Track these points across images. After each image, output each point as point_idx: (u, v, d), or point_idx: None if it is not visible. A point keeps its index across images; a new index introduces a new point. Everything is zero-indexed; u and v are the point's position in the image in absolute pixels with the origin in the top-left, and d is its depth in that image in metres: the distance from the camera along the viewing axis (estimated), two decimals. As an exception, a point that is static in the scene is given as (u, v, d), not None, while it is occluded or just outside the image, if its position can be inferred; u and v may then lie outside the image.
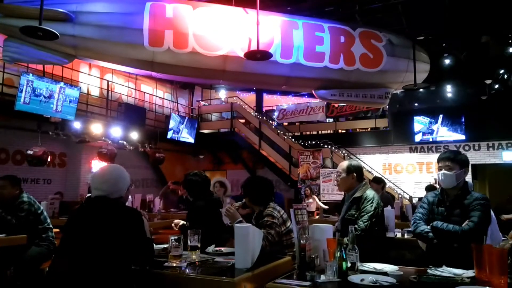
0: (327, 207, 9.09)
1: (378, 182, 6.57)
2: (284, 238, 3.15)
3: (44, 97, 8.52)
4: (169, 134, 12.19)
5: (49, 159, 9.27)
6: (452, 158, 2.84)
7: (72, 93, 9.14)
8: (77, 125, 9.49)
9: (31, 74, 8.45)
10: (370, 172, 11.76)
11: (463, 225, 2.65)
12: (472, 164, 10.12)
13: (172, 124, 12.29)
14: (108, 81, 11.61)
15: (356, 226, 3.05)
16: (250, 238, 2.33)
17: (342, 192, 3.82)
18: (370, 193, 3.24)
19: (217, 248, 2.88)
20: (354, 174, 3.31)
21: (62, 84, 9.04)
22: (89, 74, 11.33)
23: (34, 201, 4.32)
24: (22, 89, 8.11)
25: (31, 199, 4.30)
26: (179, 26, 7.31)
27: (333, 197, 10.83)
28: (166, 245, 2.73)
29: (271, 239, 3.02)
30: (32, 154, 8.66)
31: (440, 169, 2.88)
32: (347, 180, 3.33)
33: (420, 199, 7.65)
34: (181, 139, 12.73)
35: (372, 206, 3.13)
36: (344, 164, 3.40)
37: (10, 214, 4.08)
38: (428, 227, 2.80)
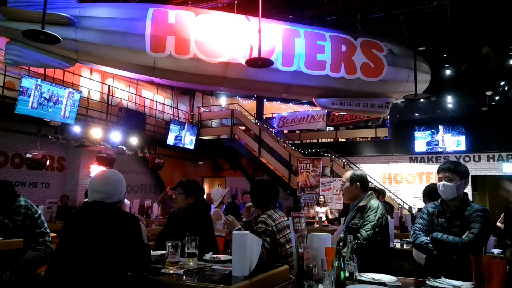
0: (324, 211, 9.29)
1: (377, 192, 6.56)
2: (279, 248, 3.06)
3: (52, 102, 8.52)
4: (171, 141, 12.16)
5: (47, 163, 9.25)
6: (453, 169, 2.82)
7: (75, 97, 9.16)
8: (76, 129, 9.46)
9: (39, 80, 8.46)
10: (370, 181, 11.73)
11: (463, 236, 2.63)
12: (472, 176, 10.09)
13: (173, 131, 12.28)
14: (109, 86, 11.62)
15: (359, 235, 3.03)
16: (248, 246, 2.31)
17: (342, 202, 3.81)
18: (374, 202, 3.20)
19: (215, 256, 2.86)
20: (358, 183, 3.29)
21: (71, 89, 9.06)
22: (90, 79, 11.35)
23: (31, 205, 4.29)
24: (30, 94, 8.10)
25: (28, 203, 4.27)
26: (181, 32, 7.34)
27: (332, 206, 10.80)
28: (163, 252, 2.71)
29: (267, 246, 2.98)
30: (31, 157, 8.62)
31: (440, 180, 2.86)
32: (351, 190, 3.32)
33: (419, 209, 7.62)
34: (181, 145, 12.72)
35: (375, 215, 3.09)
36: (348, 173, 3.40)
37: (7, 218, 4.05)
38: (428, 238, 2.78)
